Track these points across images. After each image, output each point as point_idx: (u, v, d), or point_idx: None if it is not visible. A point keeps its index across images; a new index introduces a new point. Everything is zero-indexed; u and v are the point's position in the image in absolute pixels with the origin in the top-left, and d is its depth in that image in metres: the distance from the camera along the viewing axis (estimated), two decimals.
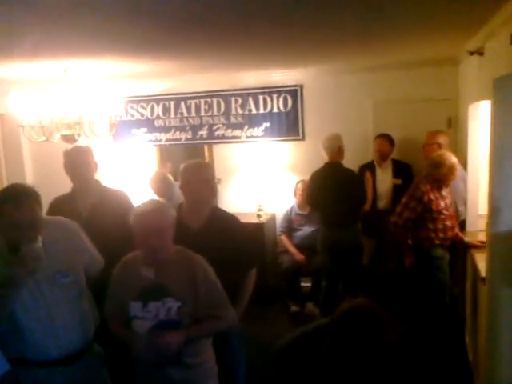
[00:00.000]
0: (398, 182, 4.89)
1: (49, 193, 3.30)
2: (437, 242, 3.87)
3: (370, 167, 4.96)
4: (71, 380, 2.26)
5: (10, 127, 5.70)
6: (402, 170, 4.94)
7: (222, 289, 2.27)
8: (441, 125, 4.90)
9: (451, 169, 3.81)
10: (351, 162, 4.68)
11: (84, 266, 2.39)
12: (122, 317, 2.23)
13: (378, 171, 4.95)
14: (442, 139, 4.49)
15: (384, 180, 4.93)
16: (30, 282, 2.13)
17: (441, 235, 3.86)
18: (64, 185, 3.30)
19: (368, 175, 4.66)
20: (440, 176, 3.82)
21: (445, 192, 3.92)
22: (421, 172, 4.20)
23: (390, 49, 4.00)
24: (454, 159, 3.83)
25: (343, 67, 5.11)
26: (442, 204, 3.85)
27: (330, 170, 4.41)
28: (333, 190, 4.35)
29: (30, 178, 6.00)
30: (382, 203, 4.94)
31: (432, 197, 3.81)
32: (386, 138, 4.91)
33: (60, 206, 3.15)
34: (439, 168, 3.81)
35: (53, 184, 3.40)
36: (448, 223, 3.88)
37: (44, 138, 3.92)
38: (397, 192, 4.85)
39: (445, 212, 3.85)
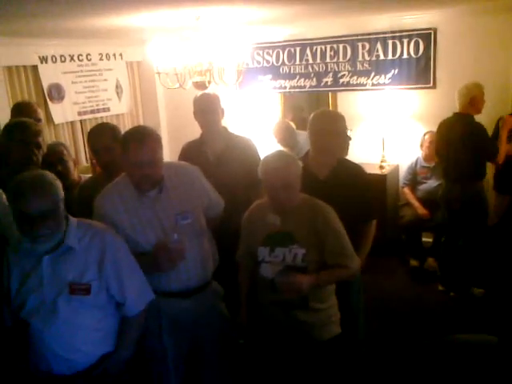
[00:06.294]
0: None
1: (179, 137, 3.52)
2: None
3: None
4: (190, 310, 2.43)
5: (147, 74, 6.08)
6: None
7: (347, 238, 2.27)
8: None
9: None
10: (486, 114, 4.34)
11: (204, 208, 2.51)
12: (251, 260, 2.36)
13: None
14: None
15: None
16: (155, 224, 2.31)
17: None
18: (193, 129, 3.48)
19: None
20: None
21: None
22: None
23: None
24: None
25: (483, 8, 4.64)
26: None
27: (456, 123, 4.16)
28: (453, 142, 4.12)
29: (163, 123, 6.41)
30: None
31: None
32: None
33: (190, 150, 3.35)
34: None
35: (183, 129, 3.59)
36: None
37: (178, 85, 4.11)
38: None
39: None
